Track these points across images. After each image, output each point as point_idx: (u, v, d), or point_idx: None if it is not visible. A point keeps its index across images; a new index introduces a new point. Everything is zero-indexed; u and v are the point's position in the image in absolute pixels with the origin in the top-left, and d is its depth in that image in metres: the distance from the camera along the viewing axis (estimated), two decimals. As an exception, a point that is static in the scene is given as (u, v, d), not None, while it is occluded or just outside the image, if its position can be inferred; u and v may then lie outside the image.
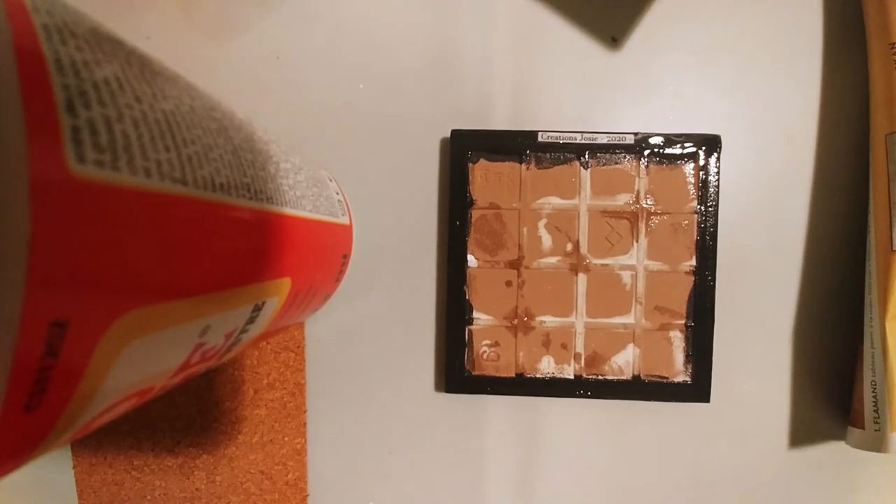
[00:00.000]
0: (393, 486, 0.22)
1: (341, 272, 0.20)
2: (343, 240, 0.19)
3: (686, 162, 0.21)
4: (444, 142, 0.22)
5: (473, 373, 0.21)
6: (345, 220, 0.19)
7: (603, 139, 0.21)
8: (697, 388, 0.21)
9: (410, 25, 0.22)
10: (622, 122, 0.22)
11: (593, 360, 0.21)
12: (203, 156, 0.09)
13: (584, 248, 0.21)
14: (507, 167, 0.21)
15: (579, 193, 0.21)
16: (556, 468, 0.22)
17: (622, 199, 0.21)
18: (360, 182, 0.22)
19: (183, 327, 0.09)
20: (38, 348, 0.06)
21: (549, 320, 0.21)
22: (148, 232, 0.07)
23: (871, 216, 0.20)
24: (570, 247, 0.21)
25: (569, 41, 0.22)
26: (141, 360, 0.08)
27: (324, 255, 0.17)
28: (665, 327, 0.21)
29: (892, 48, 0.19)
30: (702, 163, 0.21)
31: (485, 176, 0.21)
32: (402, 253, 0.22)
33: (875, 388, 0.19)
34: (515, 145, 0.21)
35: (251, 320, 0.12)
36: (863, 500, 0.22)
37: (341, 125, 0.22)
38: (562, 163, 0.21)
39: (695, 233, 0.21)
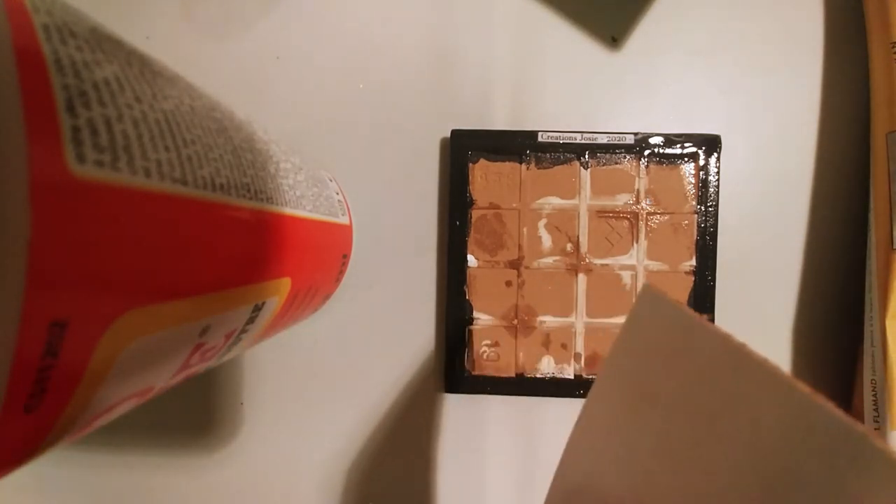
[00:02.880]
0: (393, 486, 0.22)
1: (341, 272, 0.20)
2: (343, 240, 0.19)
3: (686, 162, 0.21)
4: (444, 142, 0.22)
5: (473, 373, 0.21)
6: (345, 220, 0.19)
7: (603, 139, 0.21)
8: (697, 388, 0.21)
9: (410, 25, 0.22)
10: (622, 122, 0.22)
11: (593, 360, 0.21)
12: (203, 156, 0.09)
13: (583, 248, 0.21)
14: (507, 167, 0.21)
15: (579, 193, 0.21)
16: (555, 468, 0.22)
17: (622, 199, 0.21)
18: (360, 182, 0.22)
19: (183, 327, 0.09)
20: (38, 348, 0.06)
21: (549, 320, 0.21)
22: (148, 232, 0.07)
23: (872, 215, 0.20)
24: (569, 247, 0.21)
25: (569, 41, 0.22)
26: (141, 360, 0.08)
27: (324, 255, 0.17)
28: (665, 327, 0.21)
29: (893, 47, 0.19)
30: (702, 163, 0.21)
31: (485, 176, 0.21)
32: (402, 253, 0.22)
33: (875, 387, 0.19)
34: (515, 145, 0.21)
35: (251, 320, 0.12)
36: (863, 499, 0.22)
37: (341, 125, 0.22)
38: (562, 163, 0.21)
39: (695, 233, 0.21)
